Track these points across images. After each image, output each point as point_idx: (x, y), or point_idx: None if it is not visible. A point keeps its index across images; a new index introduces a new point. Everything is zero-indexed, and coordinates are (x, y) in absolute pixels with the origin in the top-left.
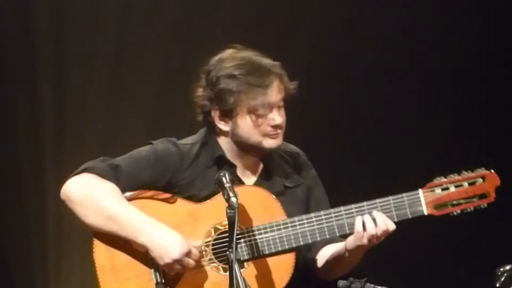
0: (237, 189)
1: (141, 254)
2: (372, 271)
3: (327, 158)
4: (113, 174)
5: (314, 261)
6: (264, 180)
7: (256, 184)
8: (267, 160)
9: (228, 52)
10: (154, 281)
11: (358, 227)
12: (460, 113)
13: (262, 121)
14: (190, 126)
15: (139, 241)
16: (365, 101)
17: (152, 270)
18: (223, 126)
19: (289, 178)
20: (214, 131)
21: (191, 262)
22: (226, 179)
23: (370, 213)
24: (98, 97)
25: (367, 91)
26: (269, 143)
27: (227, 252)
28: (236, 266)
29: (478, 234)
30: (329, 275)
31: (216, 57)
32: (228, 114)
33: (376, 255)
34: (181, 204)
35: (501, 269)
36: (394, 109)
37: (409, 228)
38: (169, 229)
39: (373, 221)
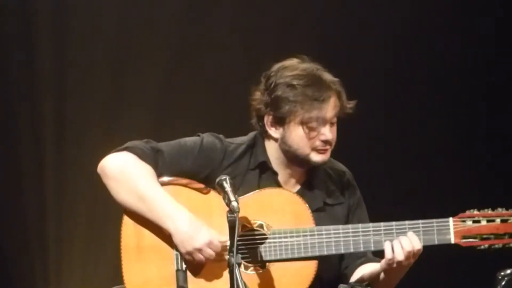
0: (273, 190)
1: (166, 239)
2: None
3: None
4: (153, 157)
5: (350, 279)
6: (305, 193)
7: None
8: (312, 174)
9: (291, 61)
10: (175, 267)
11: (387, 253)
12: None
13: (313, 135)
14: (190, 127)
15: (164, 226)
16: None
17: (175, 256)
18: (273, 132)
19: (331, 196)
20: (263, 136)
21: (211, 253)
22: (227, 183)
23: (398, 237)
24: (98, 97)
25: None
26: (316, 157)
27: (227, 257)
28: (236, 270)
29: None
30: None
31: (279, 64)
32: (280, 122)
33: (375, 256)
34: (214, 196)
35: (502, 273)
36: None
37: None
38: (194, 218)
39: (400, 245)
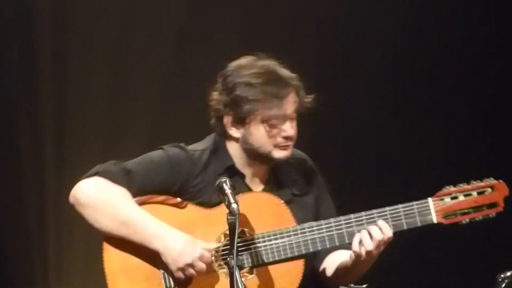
0: (248, 195)
1: (151, 258)
2: (371, 276)
3: (335, 165)
4: (125, 179)
5: (321, 269)
6: (272, 189)
7: (265, 190)
8: (276, 169)
9: (248, 59)
10: (164, 285)
11: (355, 246)
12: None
13: (274, 132)
14: (190, 128)
15: (152, 246)
16: (374, 108)
17: (162, 275)
18: (234, 132)
19: (297, 186)
20: (224, 137)
21: (203, 266)
22: (226, 185)
23: (367, 226)
24: (99, 97)
25: (374, 96)
26: (279, 154)
27: (228, 258)
28: (236, 273)
29: (478, 240)
30: (338, 283)
31: (235, 63)
32: (241, 121)
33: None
34: (192, 209)
35: (502, 275)
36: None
37: (408, 234)
38: (181, 233)
39: (369, 235)
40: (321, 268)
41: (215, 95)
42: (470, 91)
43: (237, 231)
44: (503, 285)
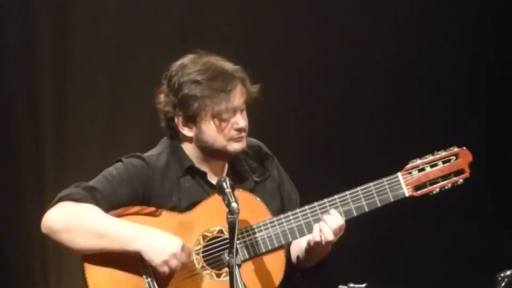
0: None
1: (134, 270)
2: (371, 275)
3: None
4: (90, 196)
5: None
6: (232, 180)
7: None
8: (232, 160)
9: (190, 57)
10: None
11: (315, 235)
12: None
13: (226, 125)
14: None
15: (132, 248)
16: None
17: (146, 284)
18: (187, 132)
19: (256, 172)
20: (177, 138)
21: (186, 255)
22: (226, 184)
23: (322, 216)
24: (99, 97)
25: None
26: (234, 146)
27: (228, 258)
28: (236, 271)
29: (478, 239)
30: (303, 264)
31: (178, 62)
32: (192, 120)
33: (376, 258)
34: (167, 216)
35: (502, 274)
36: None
37: (408, 232)
38: (158, 230)
39: (327, 226)
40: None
41: (161, 97)
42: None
43: (237, 230)
44: (503, 284)
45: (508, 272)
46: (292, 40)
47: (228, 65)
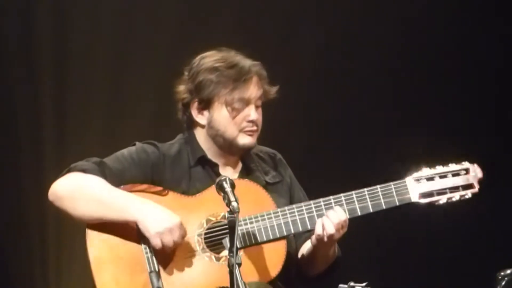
0: None
1: (134, 244)
2: (371, 274)
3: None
4: (98, 169)
5: (299, 256)
6: (245, 177)
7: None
8: (246, 159)
9: (211, 52)
10: (148, 269)
11: (318, 230)
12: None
13: (237, 115)
14: None
15: (130, 217)
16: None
17: (146, 259)
18: (200, 119)
19: (268, 175)
20: (192, 129)
21: (181, 235)
22: (227, 184)
23: (326, 212)
24: (99, 97)
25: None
26: (244, 140)
27: (228, 257)
28: (236, 271)
29: (478, 238)
30: (309, 270)
31: (199, 56)
32: (206, 107)
33: (376, 257)
34: (173, 197)
35: (502, 273)
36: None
37: (408, 231)
38: (159, 205)
39: (329, 220)
40: (299, 256)
41: (181, 87)
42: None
43: (237, 229)
44: (503, 283)
45: (508, 271)
46: (297, 40)
47: (248, 60)
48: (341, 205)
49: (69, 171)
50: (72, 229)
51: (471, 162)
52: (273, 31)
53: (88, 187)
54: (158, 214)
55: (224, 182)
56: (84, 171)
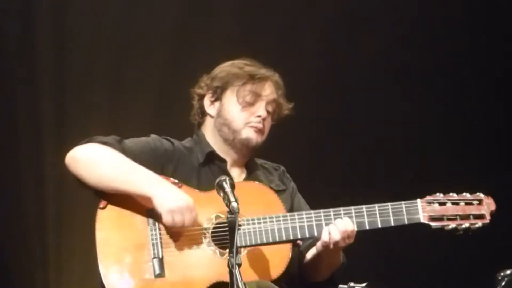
0: (240, 183)
1: (142, 230)
2: (370, 274)
3: (329, 166)
4: (117, 145)
5: (304, 263)
6: (251, 180)
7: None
8: (251, 165)
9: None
10: (152, 255)
11: (324, 236)
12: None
13: (247, 108)
14: (190, 125)
15: (145, 190)
16: (368, 108)
17: (151, 246)
18: (211, 109)
19: (272, 183)
20: (202, 126)
21: (192, 217)
22: (226, 184)
23: (334, 221)
24: (99, 97)
25: (370, 97)
26: (249, 133)
27: (228, 257)
28: (236, 271)
29: (478, 238)
30: (313, 276)
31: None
32: (218, 97)
33: (375, 258)
34: (187, 190)
35: (502, 274)
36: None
37: (408, 232)
38: (174, 186)
39: (336, 228)
40: (304, 261)
41: (198, 87)
42: (473, 95)
43: (236, 230)
44: (503, 284)
45: (508, 271)
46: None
47: (268, 69)
48: (350, 217)
49: (89, 141)
50: (72, 229)
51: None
52: (273, 32)
53: (106, 155)
54: (174, 193)
55: (224, 182)
56: (105, 143)
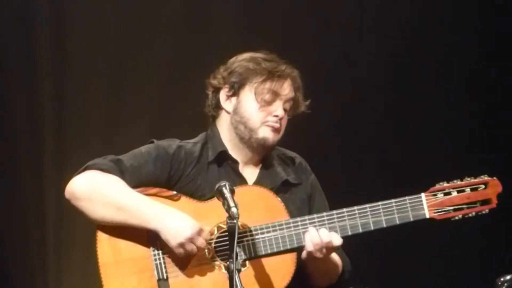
0: (242, 188)
1: (144, 250)
2: (371, 276)
3: (332, 161)
4: (116, 168)
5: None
6: (265, 173)
7: (259, 176)
8: (267, 158)
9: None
10: (156, 277)
11: (307, 244)
12: (464, 116)
13: (265, 107)
14: (191, 126)
15: (150, 226)
16: (368, 103)
17: (154, 266)
18: (227, 105)
19: (290, 176)
20: (216, 120)
21: (203, 241)
22: (226, 189)
23: (319, 227)
24: (99, 97)
25: (371, 93)
26: (265, 132)
27: (227, 263)
28: (236, 277)
29: (478, 243)
30: (311, 284)
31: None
32: (235, 93)
33: (375, 260)
34: (185, 202)
35: (502, 279)
36: (398, 113)
37: (409, 235)
38: (178, 211)
39: (310, 238)
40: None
41: (214, 76)
42: (468, 87)
43: (236, 235)
44: None
45: (508, 277)
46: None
47: (287, 65)
48: (354, 219)
49: (86, 169)
50: (72, 229)
51: (490, 175)
52: (273, 32)
53: (107, 189)
54: (177, 223)
55: (223, 188)
56: (102, 170)
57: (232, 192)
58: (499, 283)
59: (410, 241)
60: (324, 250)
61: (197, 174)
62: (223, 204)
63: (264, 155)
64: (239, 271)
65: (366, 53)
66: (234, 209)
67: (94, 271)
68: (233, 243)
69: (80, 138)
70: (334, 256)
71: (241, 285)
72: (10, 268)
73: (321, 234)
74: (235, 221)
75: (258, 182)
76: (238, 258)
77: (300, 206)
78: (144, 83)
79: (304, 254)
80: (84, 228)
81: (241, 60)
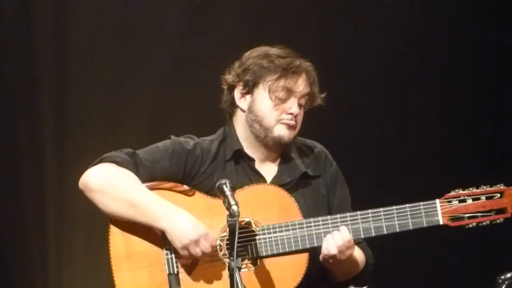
0: (255, 186)
1: (156, 244)
2: (370, 276)
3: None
4: (131, 162)
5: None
6: (284, 167)
7: (278, 171)
8: (285, 151)
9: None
10: (167, 271)
11: (323, 250)
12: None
13: (279, 104)
14: (191, 126)
15: (158, 225)
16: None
17: (166, 260)
18: (242, 103)
19: (309, 168)
20: (232, 118)
21: (207, 245)
22: (227, 187)
23: (332, 232)
24: (99, 97)
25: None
26: (280, 130)
27: (228, 260)
28: (236, 274)
29: (478, 241)
30: (336, 280)
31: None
32: (249, 90)
33: (375, 260)
34: (199, 197)
35: (502, 277)
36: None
37: (408, 234)
38: (187, 213)
39: (333, 241)
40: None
41: (228, 73)
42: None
43: (237, 233)
44: (503, 287)
45: (509, 275)
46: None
47: (301, 59)
48: (367, 222)
49: (101, 161)
50: (72, 229)
51: (507, 184)
52: (274, 31)
53: (120, 184)
54: (184, 225)
55: (224, 186)
56: (116, 163)
57: (233, 189)
58: (500, 281)
59: (410, 241)
60: (346, 252)
61: (213, 172)
62: (224, 202)
63: (281, 151)
64: (239, 269)
65: (374, 55)
66: (234, 207)
67: (94, 271)
68: (233, 241)
69: (80, 138)
70: (356, 255)
71: (242, 283)
72: (10, 268)
73: (344, 235)
74: (235, 219)
75: (277, 177)
76: (250, 256)
77: (319, 200)
78: (144, 83)
79: (323, 258)
80: (85, 229)
81: (255, 56)
